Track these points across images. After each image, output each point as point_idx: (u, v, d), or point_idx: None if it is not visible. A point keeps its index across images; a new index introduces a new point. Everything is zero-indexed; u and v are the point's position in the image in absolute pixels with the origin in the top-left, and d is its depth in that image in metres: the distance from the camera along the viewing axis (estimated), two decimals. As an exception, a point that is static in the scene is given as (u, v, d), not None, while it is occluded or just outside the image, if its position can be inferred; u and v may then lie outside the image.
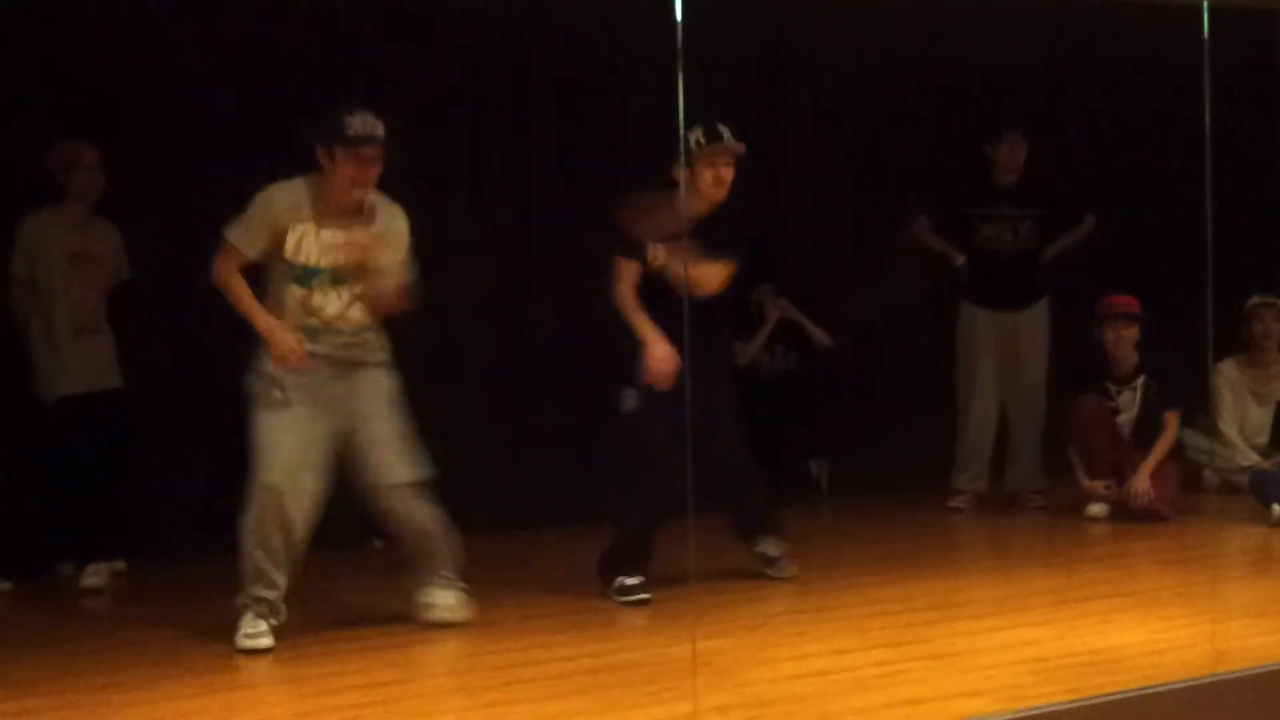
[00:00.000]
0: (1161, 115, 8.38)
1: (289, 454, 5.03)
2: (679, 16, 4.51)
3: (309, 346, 5.11)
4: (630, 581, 5.64)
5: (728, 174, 5.69)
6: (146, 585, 6.23)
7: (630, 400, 5.59)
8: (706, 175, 5.65)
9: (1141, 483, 7.09)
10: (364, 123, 5.04)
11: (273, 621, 5.07)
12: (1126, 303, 7.37)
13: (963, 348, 7.72)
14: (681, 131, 5.34)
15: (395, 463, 5.22)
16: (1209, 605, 5.14)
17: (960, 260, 7.60)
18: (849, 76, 7.99)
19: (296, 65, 6.86)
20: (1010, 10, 8.18)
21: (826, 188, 8.08)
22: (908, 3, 7.98)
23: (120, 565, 6.31)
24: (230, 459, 6.66)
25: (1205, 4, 5.14)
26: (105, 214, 6.32)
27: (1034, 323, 7.65)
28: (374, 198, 5.20)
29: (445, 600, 5.31)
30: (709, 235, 5.64)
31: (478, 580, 5.75)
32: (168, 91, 6.59)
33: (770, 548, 6.01)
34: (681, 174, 5.61)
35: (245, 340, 5.99)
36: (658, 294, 5.61)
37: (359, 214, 5.15)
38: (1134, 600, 5.52)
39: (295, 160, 6.53)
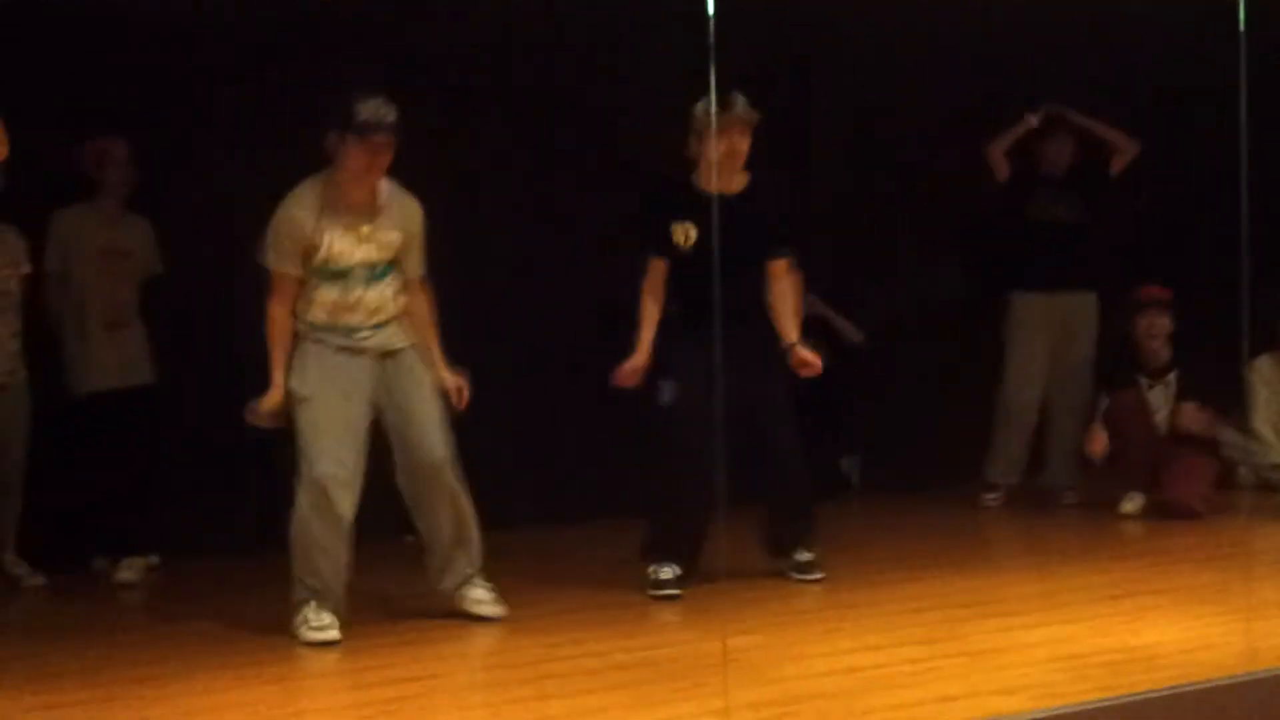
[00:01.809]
0: (1197, 106, 8.32)
1: (331, 444, 5.04)
2: (711, 8, 4.49)
3: (342, 341, 5.12)
4: (664, 575, 5.62)
5: (742, 144, 5.51)
6: (180, 580, 6.26)
7: (668, 393, 5.55)
8: (720, 147, 5.45)
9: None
10: (375, 109, 5.00)
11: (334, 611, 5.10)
12: (1160, 292, 7.31)
13: (1012, 334, 7.64)
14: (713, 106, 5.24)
15: (436, 440, 5.19)
16: (1244, 603, 5.11)
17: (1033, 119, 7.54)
18: (884, 70, 7.96)
19: (322, 58, 6.86)
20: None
21: (856, 180, 8.06)
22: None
23: (154, 560, 6.34)
24: (262, 454, 6.74)
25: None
26: (138, 208, 6.35)
27: (1084, 308, 7.61)
28: (386, 186, 5.17)
29: (484, 595, 5.31)
30: (743, 214, 5.49)
31: (509, 575, 5.76)
32: (200, 86, 6.62)
33: (802, 555, 5.89)
34: (691, 147, 5.53)
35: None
36: (693, 280, 5.39)
37: (373, 203, 5.13)
38: (1168, 597, 5.48)
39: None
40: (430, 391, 5.24)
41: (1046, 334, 7.59)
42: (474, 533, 5.31)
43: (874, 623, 5.20)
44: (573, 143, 7.38)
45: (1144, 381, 7.35)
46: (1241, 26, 5.09)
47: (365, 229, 5.10)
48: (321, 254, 5.06)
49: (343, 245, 5.08)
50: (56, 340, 6.22)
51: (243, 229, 6.67)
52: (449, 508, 5.24)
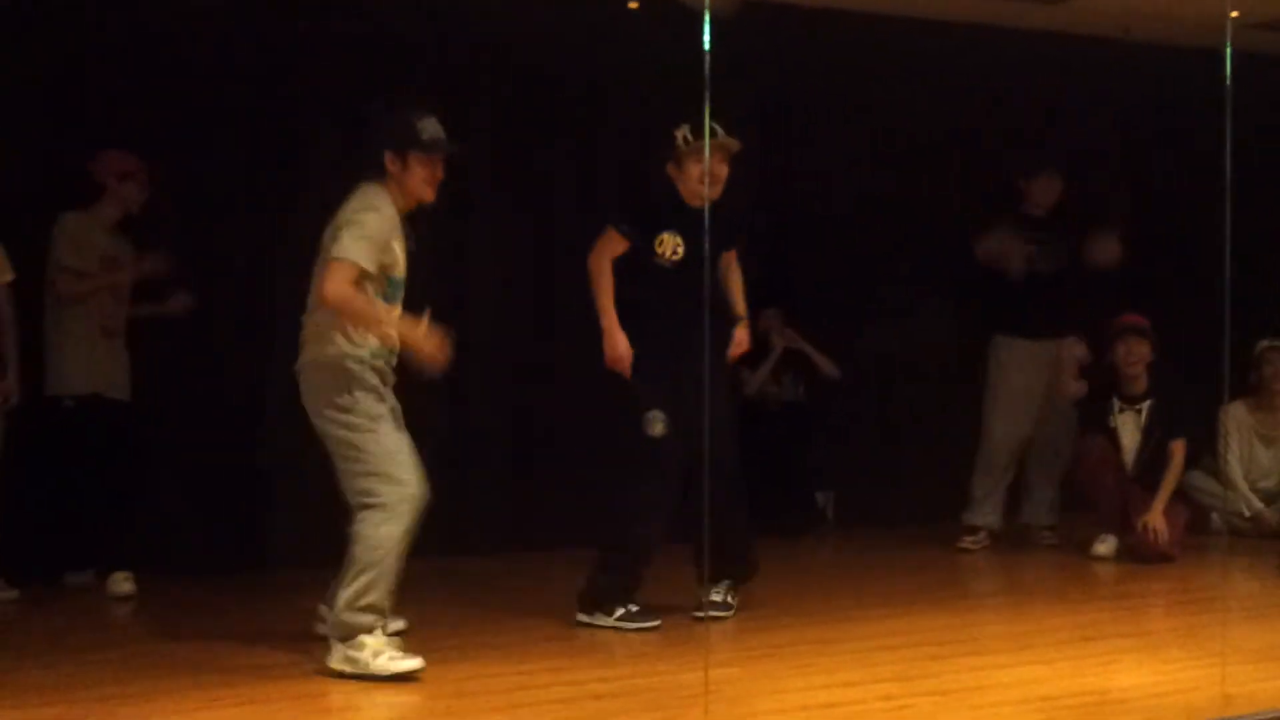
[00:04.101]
0: (1181, 157, 8.40)
1: (407, 462, 4.99)
2: (707, 45, 4.52)
3: (384, 364, 5.07)
4: (635, 608, 5.62)
5: (720, 170, 5.58)
6: (155, 599, 6.21)
7: (658, 423, 5.52)
8: (694, 171, 5.56)
9: (1156, 519, 7.04)
10: (435, 127, 5.09)
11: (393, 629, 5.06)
12: (1138, 319, 7.33)
13: (994, 378, 7.62)
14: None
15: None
16: (1217, 648, 5.12)
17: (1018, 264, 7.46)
18: (872, 106, 8.01)
19: (313, 83, 6.89)
20: (1035, 49, 8.21)
21: (839, 212, 8.09)
22: (936, 36, 8.01)
23: (130, 576, 6.30)
24: (241, 476, 6.73)
25: (1229, 48, 5.16)
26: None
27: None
28: None
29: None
30: (713, 220, 5.45)
31: (486, 601, 5.72)
32: (175, 105, 6.63)
33: (723, 593, 5.81)
34: (671, 171, 5.62)
35: (253, 355, 5.97)
36: (672, 294, 5.52)
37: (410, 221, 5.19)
38: (1141, 641, 5.51)
39: (305, 171, 6.60)
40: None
41: (1030, 378, 7.56)
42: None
43: (849, 659, 5.20)
44: (562, 165, 7.42)
45: (1116, 405, 7.34)
46: (1228, 79, 5.14)
47: (407, 244, 5.15)
48: (392, 261, 5.04)
49: (400, 256, 5.10)
50: (45, 339, 6.17)
51: (225, 250, 6.73)
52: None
